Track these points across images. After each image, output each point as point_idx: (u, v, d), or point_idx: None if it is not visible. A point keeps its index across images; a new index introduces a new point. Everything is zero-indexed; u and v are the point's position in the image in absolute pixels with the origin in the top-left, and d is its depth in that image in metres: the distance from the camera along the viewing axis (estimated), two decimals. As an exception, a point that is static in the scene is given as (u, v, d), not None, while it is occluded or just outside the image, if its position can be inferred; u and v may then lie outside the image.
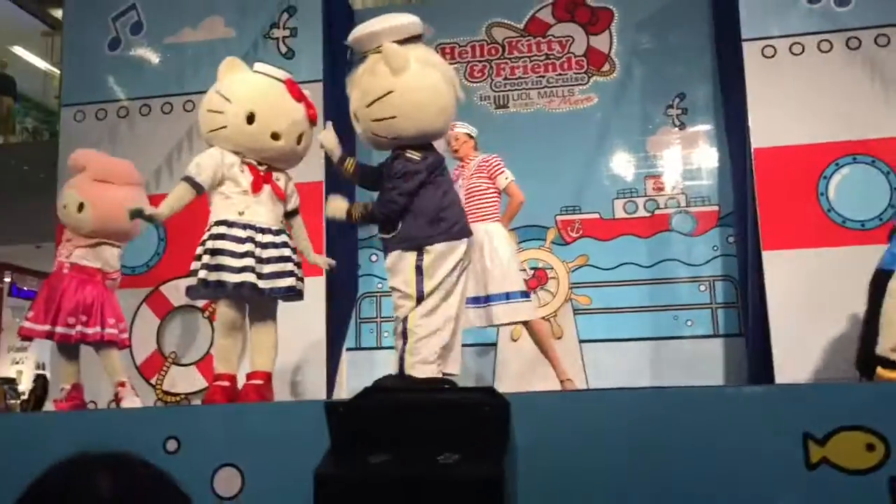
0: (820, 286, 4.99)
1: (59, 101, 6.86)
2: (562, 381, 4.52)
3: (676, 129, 6.26)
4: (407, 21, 3.36)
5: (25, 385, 14.31)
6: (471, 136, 4.98)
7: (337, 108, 5.96)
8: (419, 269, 3.20)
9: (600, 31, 6.47)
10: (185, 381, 5.62)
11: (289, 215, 3.82)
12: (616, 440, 2.32)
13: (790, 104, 5.31)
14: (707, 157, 6.19)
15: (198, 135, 3.93)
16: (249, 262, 3.49)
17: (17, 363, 14.81)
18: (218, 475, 2.47)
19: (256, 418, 2.70)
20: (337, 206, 3.52)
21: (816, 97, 5.27)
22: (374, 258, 6.31)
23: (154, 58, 6.21)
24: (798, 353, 4.92)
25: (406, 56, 3.25)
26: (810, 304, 5.01)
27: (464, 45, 6.60)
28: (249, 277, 3.47)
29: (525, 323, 4.73)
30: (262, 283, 3.50)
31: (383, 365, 6.06)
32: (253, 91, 3.73)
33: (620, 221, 6.17)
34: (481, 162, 4.87)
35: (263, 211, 3.62)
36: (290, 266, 3.63)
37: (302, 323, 5.53)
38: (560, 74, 6.48)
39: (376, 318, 6.27)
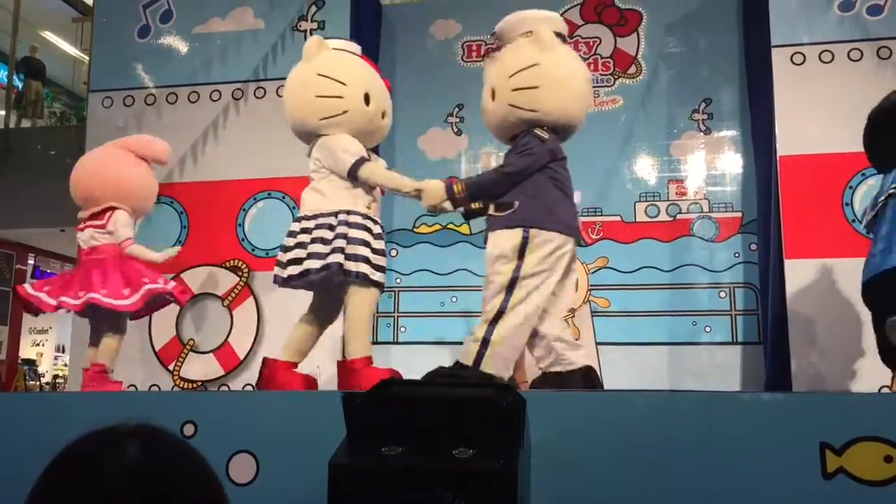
0: (841, 296, 4.95)
1: (87, 86, 6.93)
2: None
3: (702, 133, 6.23)
4: (557, 17, 3.50)
5: (45, 367, 14.47)
6: None
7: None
8: (521, 251, 3.11)
9: (628, 33, 6.45)
10: (202, 368, 5.67)
11: None
12: (630, 442, 2.31)
13: (818, 112, 5.27)
14: (731, 162, 6.15)
15: (291, 125, 3.65)
16: (383, 260, 3.39)
17: (38, 345, 14.97)
18: (233, 461, 2.49)
19: (274, 406, 2.72)
20: (434, 188, 3.32)
21: (845, 106, 5.21)
22: (394, 252, 6.32)
23: (182, 47, 6.26)
24: (817, 363, 4.89)
25: (556, 40, 3.33)
26: (831, 313, 4.97)
27: (490, 43, 6.59)
28: (382, 277, 3.38)
29: None
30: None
31: (399, 359, 6.10)
32: (360, 70, 3.64)
33: (642, 225, 6.15)
34: None
35: (377, 206, 3.54)
36: None
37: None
38: (586, 75, 6.46)
39: (393, 312, 6.29)
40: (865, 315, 4.78)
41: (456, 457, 1.91)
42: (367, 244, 3.32)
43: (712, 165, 6.18)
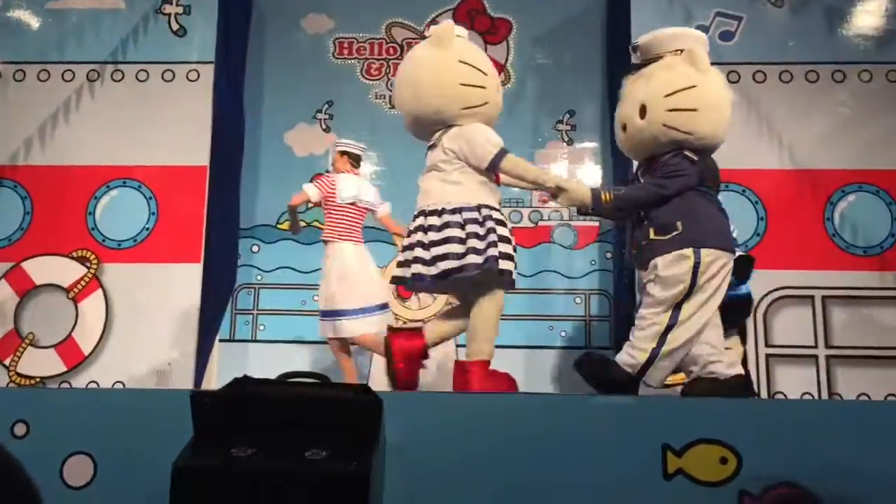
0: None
1: (-77, 57, 6.38)
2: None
3: (565, 144, 6.42)
4: (706, 37, 3.47)
5: None
6: (343, 153, 5.17)
7: (227, 91, 5.82)
8: (696, 270, 3.07)
9: (498, 41, 6.56)
10: (42, 363, 5.33)
11: None
12: (483, 443, 2.34)
13: (672, 130, 5.52)
14: (592, 173, 6.37)
15: (418, 112, 3.39)
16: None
17: None
18: (69, 463, 2.34)
19: (115, 405, 2.58)
20: (579, 191, 3.28)
21: (696, 125, 5.50)
22: (255, 248, 6.17)
23: (34, 21, 5.88)
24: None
25: (709, 62, 3.29)
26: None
27: (362, 41, 6.55)
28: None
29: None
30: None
31: (257, 357, 5.95)
32: (489, 61, 3.50)
33: (505, 230, 6.25)
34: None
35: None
36: None
37: (174, 310, 5.37)
38: (456, 80, 6.53)
39: (253, 310, 6.14)
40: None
41: (308, 458, 1.87)
42: (509, 241, 3.24)
43: (574, 175, 6.35)
